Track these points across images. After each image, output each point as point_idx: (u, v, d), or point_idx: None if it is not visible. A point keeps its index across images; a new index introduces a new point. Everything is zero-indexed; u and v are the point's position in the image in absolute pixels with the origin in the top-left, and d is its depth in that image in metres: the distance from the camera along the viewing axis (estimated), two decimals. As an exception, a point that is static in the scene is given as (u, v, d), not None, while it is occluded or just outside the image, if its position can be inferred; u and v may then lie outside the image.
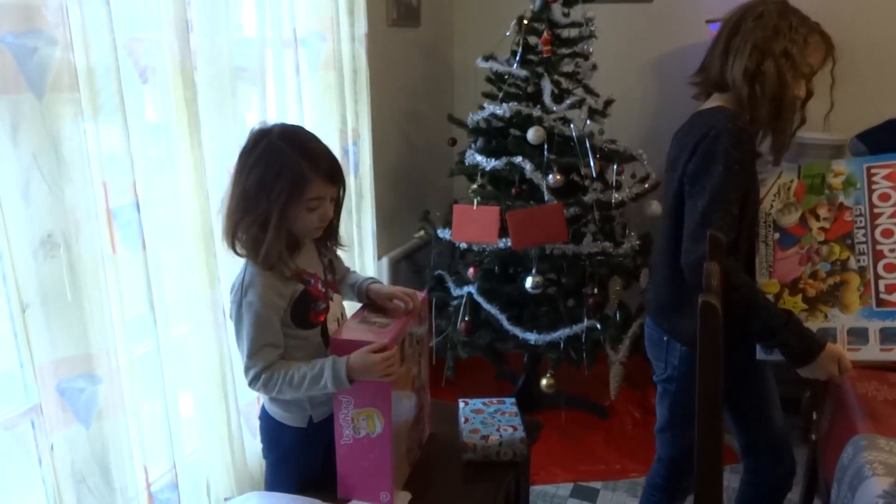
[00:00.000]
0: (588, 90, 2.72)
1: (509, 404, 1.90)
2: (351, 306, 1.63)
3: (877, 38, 2.86)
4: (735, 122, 1.49)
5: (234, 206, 1.37)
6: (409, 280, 3.01)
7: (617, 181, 2.61)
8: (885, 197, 1.45)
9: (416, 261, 3.06)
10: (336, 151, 2.46)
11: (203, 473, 1.92)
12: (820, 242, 1.49)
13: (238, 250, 1.40)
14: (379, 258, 2.82)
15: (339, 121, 2.46)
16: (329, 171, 1.40)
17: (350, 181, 2.54)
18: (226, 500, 1.89)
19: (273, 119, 2.16)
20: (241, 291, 1.37)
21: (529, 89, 2.62)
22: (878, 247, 1.43)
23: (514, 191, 2.55)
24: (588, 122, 2.63)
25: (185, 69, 1.72)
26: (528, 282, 2.49)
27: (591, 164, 2.52)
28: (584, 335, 2.54)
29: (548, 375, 2.63)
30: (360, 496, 1.46)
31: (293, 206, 1.36)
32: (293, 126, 1.46)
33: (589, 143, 2.54)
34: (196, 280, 1.81)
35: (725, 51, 1.56)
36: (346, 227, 2.58)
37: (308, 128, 2.35)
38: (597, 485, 2.53)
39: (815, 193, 1.51)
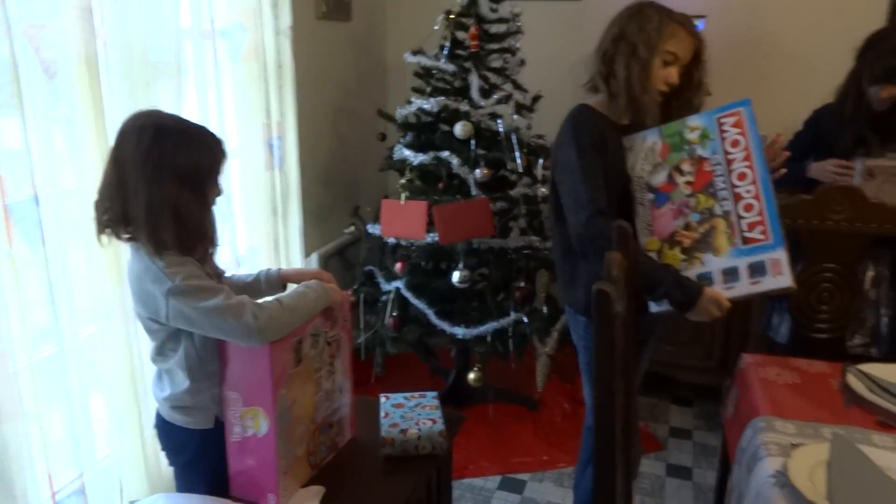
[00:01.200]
0: (516, 85, 2.74)
1: (430, 398, 1.90)
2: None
3: (794, 43, 2.98)
4: (581, 110, 1.73)
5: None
6: (340, 276, 2.98)
7: (544, 176, 2.64)
8: (735, 143, 1.58)
9: (347, 257, 3.04)
10: (259, 145, 2.44)
11: (115, 478, 1.86)
12: (688, 195, 1.61)
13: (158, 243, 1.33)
14: (307, 255, 2.79)
15: (263, 114, 2.42)
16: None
17: (275, 176, 2.51)
18: (131, 502, 1.83)
19: (192, 111, 2.12)
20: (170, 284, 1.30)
21: (457, 84, 2.62)
22: (736, 190, 1.56)
23: (441, 185, 2.55)
24: (516, 117, 2.65)
25: (89, 59, 1.66)
26: (455, 276, 2.50)
27: (518, 158, 2.54)
28: (511, 329, 2.57)
29: (475, 369, 2.65)
30: (249, 495, 1.44)
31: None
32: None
33: (516, 138, 2.57)
34: (104, 278, 1.75)
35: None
36: (271, 224, 2.55)
37: (229, 121, 2.34)
38: (524, 476, 2.56)
39: (677, 151, 1.64)
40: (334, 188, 3.11)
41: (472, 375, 2.66)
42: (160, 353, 1.41)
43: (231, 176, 2.36)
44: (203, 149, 1.34)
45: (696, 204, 1.60)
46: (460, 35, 2.64)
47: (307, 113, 2.74)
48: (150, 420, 1.89)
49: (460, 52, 2.64)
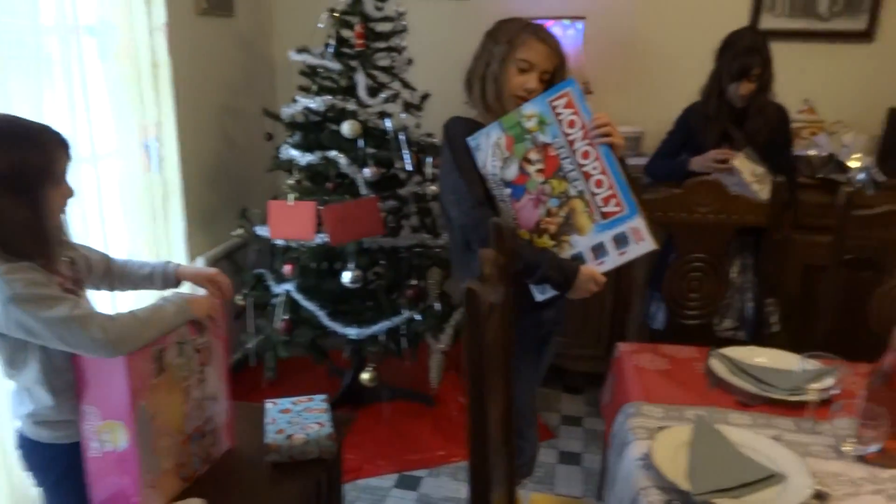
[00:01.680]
0: (404, 84, 2.74)
1: (318, 401, 1.88)
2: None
3: (668, 43, 3.13)
4: (451, 121, 1.80)
5: None
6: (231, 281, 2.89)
7: (433, 174, 2.66)
8: (572, 124, 1.63)
9: (236, 260, 2.95)
10: (134, 147, 2.32)
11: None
12: (542, 183, 1.67)
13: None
14: (192, 259, 2.69)
15: (137, 115, 2.31)
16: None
17: (153, 178, 2.40)
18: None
19: (57, 111, 1.99)
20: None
21: (344, 83, 2.59)
22: (584, 168, 1.63)
23: (330, 185, 2.53)
24: (404, 115, 2.66)
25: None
26: (347, 277, 2.48)
27: (407, 157, 2.55)
28: (404, 327, 2.57)
29: (368, 369, 2.64)
30: (113, 513, 1.38)
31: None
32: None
33: (405, 137, 2.57)
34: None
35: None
36: (151, 228, 2.44)
37: (100, 122, 2.22)
38: (421, 473, 2.58)
39: (521, 142, 1.68)
40: (221, 189, 3.01)
41: (365, 375, 2.65)
42: (12, 367, 1.32)
43: (104, 179, 2.24)
44: (27, 148, 1.25)
45: (551, 190, 1.66)
46: (346, 33, 2.61)
47: (188, 113, 2.63)
48: (10, 440, 1.77)
49: (346, 50, 2.62)
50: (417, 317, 2.61)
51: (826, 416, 1.32)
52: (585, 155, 1.63)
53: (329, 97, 2.53)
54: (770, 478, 1.21)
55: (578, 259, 1.67)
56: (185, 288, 1.64)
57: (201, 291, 1.61)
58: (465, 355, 1.11)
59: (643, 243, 1.59)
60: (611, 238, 1.62)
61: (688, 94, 2.55)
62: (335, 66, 2.57)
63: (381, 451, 2.66)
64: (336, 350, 2.98)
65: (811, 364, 1.43)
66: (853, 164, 2.63)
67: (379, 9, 2.63)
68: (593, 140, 1.62)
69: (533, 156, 1.68)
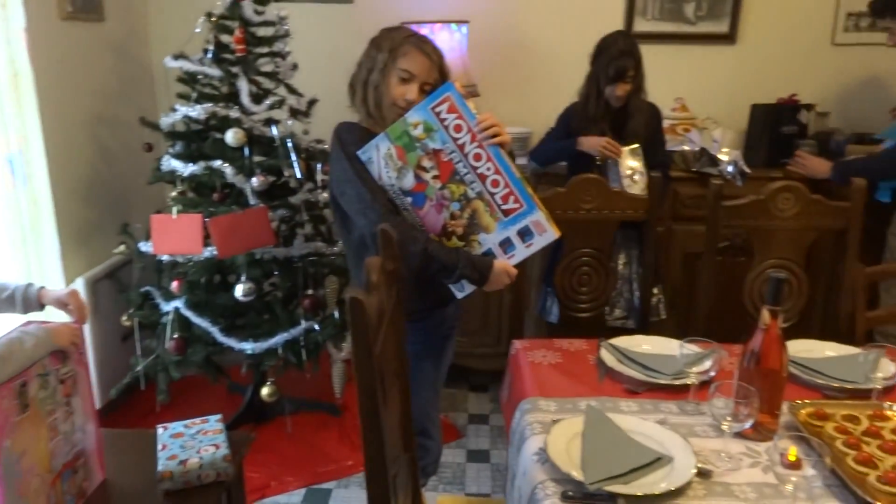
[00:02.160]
0: (290, 90, 2.68)
1: (214, 422, 1.81)
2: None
3: (549, 45, 3.23)
4: (341, 126, 1.79)
5: None
6: (114, 301, 2.74)
7: (324, 181, 2.61)
8: (458, 128, 1.65)
9: (120, 279, 2.79)
10: (-6, 163, 2.15)
11: None
12: (440, 189, 1.70)
13: None
14: (70, 280, 2.52)
15: (-3, 128, 2.14)
16: None
17: (19, 195, 2.23)
18: None
19: None
20: None
21: (225, 89, 2.51)
22: (478, 171, 1.68)
23: (216, 196, 2.44)
24: (291, 122, 2.60)
25: None
26: (239, 290, 2.40)
27: (296, 164, 2.50)
28: (303, 337, 2.52)
29: (268, 384, 2.57)
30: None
31: None
32: None
33: (293, 144, 2.51)
34: None
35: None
36: (20, 250, 2.27)
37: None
38: (330, 485, 2.53)
39: (412, 150, 1.68)
40: (98, 205, 2.84)
41: (265, 390, 2.58)
42: None
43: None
44: None
45: (450, 194, 1.69)
46: (225, 38, 2.52)
47: (57, 124, 2.47)
48: None
49: (227, 55, 2.53)
50: (316, 326, 2.56)
51: (706, 397, 1.40)
52: (477, 157, 1.65)
53: (210, 105, 2.44)
54: (658, 460, 1.27)
55: (489, 255, 1.72)
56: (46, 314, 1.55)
57: (66, 316, 1.52)
58: (354, 367, 1.09)
59: (546, 234, 1.67)
60: (515, 233, 1.68)
61: (571, 95, 2.64)
62: (215, 72, 2.48)
63: (287, 467, 2.59)
64: (235, 366, 2.89)
65: (690, 349, 1.50)
66: (723, 157, 2.81)
67: (259, 13, 2.55)
68: (482, 141, 1.64)
69: (426, 163, 1.68)
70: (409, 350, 1.50)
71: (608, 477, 1.21)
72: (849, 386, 1.53)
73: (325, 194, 2.62)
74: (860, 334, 1.97)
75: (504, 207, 1.67)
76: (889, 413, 1.39)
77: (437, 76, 1.77)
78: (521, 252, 1.71)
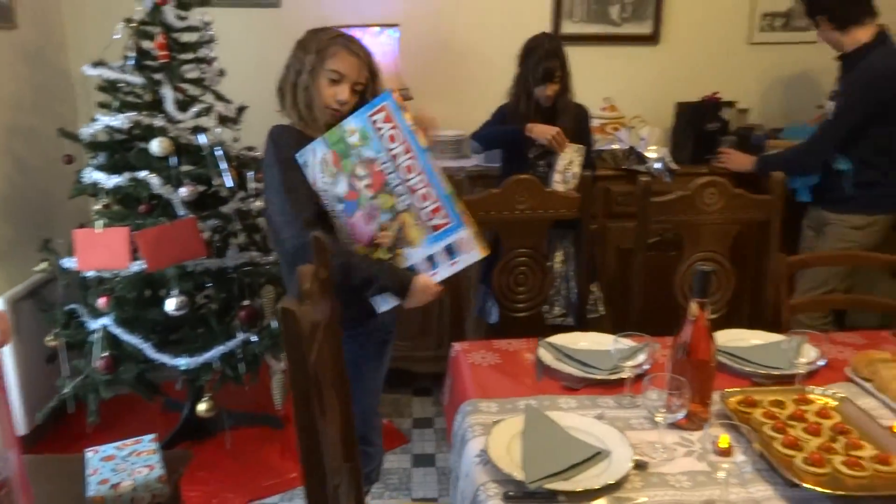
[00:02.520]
0: (218, 97, 2.62)
1: (147, 442, 1.75)
2: None
3: (479, 47, 3.25)
4: (277, 129, 1.77)
5: None
6: (37, 321, 2.61)
7: (257, 189, 2.56)
8: (392, 139, 1.62)
9: (44, 297, 2.66)
10: None
11: None
12: (371, 198, 1.67)
13: None
14: (-12, 301, 2.40)
15: None
16: None
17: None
18: None
19: None
20: None
21: (148, 97, 2.43)
22: (409, 183, 1.64)
23: (143, 208, 2.35)
24: (220, 130, 2.54)
25: None
26: (170, 304, 2.32)
27: (227, 173, 2.44)
28: (240, 350, 2.46)
29: (205, 399, 2.50)
30: None
31: None
32: None
33: (222, 152, 2.45)
34: None
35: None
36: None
37: None
38: (273, 499, 2.48)
39: (347, 157, 1.66)
40: (16, 220, 2.71)
41: (202, 406, 2.50)
42: None
43: None
44: None
45: (381, 205, 1.66)
46: (147, 44, 2.44)
47: (-34, 137, 2.34)
48: None
49: (149, 62, 2.45)
50: (254, 338, 2.51)
51: (641, 390, 1.43)
52: (409, 169, 1.62)
53: (133, 113, 2.36)
54: (597, 455, 1.29)
55: (413, 271, 1.68)
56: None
57: None
58: (288, 379, 1.07)
59: (472, 253, 1.63)
60: (442, 249, 1.64)
61: (502, 96, 2.67)
62: (137, 79, 2.40)
63: (229, 483, 2.52)
64: (170, 382, 2.80)
65: (624, 343, 1.53)
66: (651, 154, 2.88)
67: (182, 18, 2.48)
68: (409, 138, 1.61)
69: (360, 171, 1.66)
70: (346, 358, 1.48)
71: (548, 475, 1.22)
72: (775, 372, 1.59)
73: (259, 203, 2.58)
74: (785, 322, 2.05)
75: (432, 222, 1.63)
76: (812, 397, 1.45)
77: (368, 75, 1.77)
78: (445, 269, 1.66)
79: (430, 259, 1.66)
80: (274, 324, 2.57)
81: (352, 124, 1.65)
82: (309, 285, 1.22)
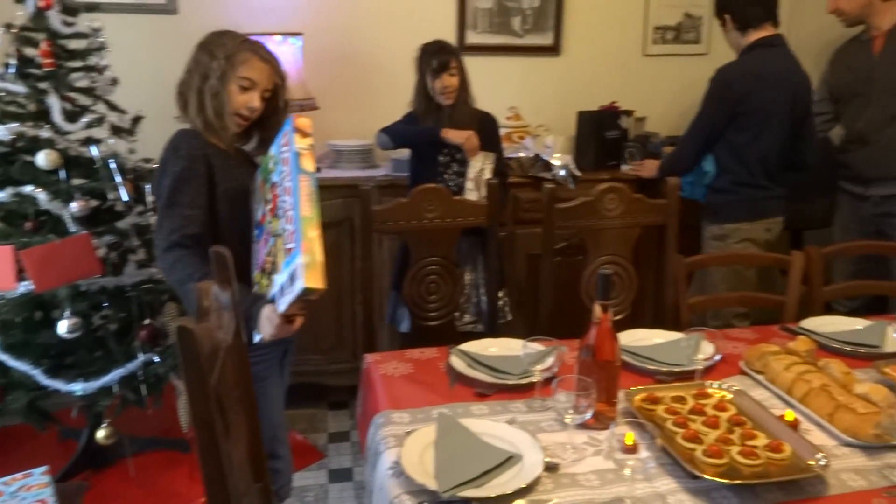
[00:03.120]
0: (111, 106, 2.49)
1: (38, 475, 1.64)
2: None
3: (385, 57, 3.25)
4: (180, 136, 1.70)
5: None
6: None
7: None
8: (286, 161, 1.52)
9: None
10: None
11: None
12: (269, 223, 1.59)
13: None
14: None
15: None
16: None
17: None
18: None
19: None
20: None
21: (33, 107, 2.28)
22: (284, 205, 1.48)
23: (29, 225, 2.21)
24: (113, 141, 2.41)
25: None
26: (62, 326, 2.19)
27: (122, 187, 2.32)
28: (142, 371, 2.34)
29: (104, 426, 2.36)
30: None
31: None
32: None
33: (116, 165, 2.34)
34: None
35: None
36: None
37: None
38: (181, 525, 2.38)
39: (267, 182, 1.64)
40: None
41: (101, 433, 2.37)
42: None
43: None
44: None
45: (272, 229, 1.55)
46: (30, 51, 2.30)
47: None
48: None
49: (34, 70, 2.31)
50: (156, 358, 2.39)
51: (550, 393, 1.46)
52: (287, 191, 1.48)
53: (16, 124, 2.21)
54: (509, 460, 1.30)
55: (272, 299, 1.49)
56: None
57: None
58: (188, 400, 1.02)
59: (297, 282, 1.37)
60: (288, 276, 1.42)
61: (409, 107, 2.67)
62: (20, 88, 2.25)
63: (131, 513, 2.40)
64: (66, 409, 2.63)
65: (532, 348, 1.56)
66: (555, 162, 2.96)
67: (69, 24, 2.35)
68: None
69: (268, 195, 1.61)
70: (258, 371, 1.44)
71: (461, 482, 1.22)
72: (675, 369, 1.65)
73: (158, 217, 2.47)
74: (685, 320, 2.15)
75: (287, 246, 1.44)
76: (710, 391, 1.52)
77: (277, 81, 1.74)
78: (283, 300, 1.42)
79: (282, 287, 1.44)
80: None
81: (272, 150, 1.63)
82: (208, 302, 1.17)
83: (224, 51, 1.68)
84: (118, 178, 2.32)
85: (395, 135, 2.65)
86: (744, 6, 2.53)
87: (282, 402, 1.95)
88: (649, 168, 2.95)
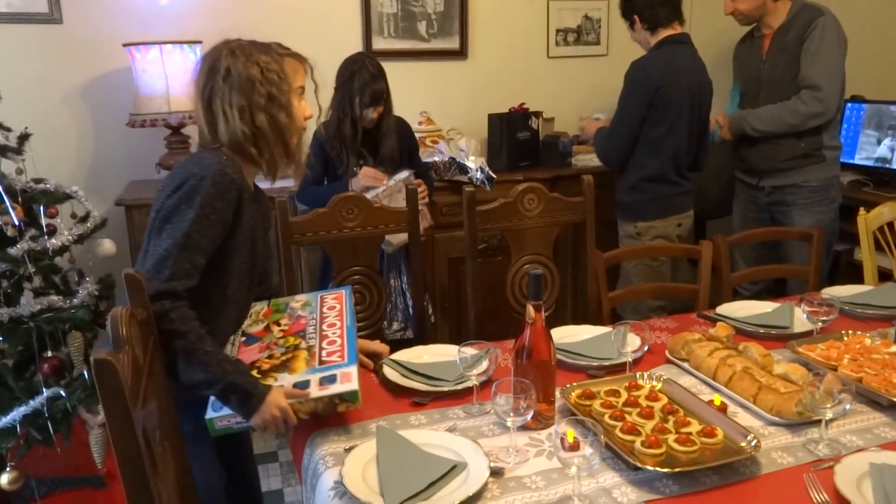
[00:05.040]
0: (-6, 124, 2.30)
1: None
2: None
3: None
4: (224, 170, 1.47)
5: None
6: None
7: (51, 225, 2.28)
8: (332, 308, 1.72)
9: None
10: None
11: None
12: (279, 338, 1.62)
13: None
14: None
15: None
16: None
17: None
18: None
19: None
20: None
21: None
22: (324, 332, 1.62)
23: None
24: (-1, 161, 2.23)
25: None
26: (-48, 366, 2.00)
27: (11, 210, 2.14)
28: (47, 407, 2.17)
29: (8, 469, 2.18)
30: None
31: None
32: None
33: (3, 187, 2.15)
34: None
35: (211, 120, 1.54)
36: None
37: None
38: (99, 570, 2.22)
39: (278, 312, 1.73)
40: None
41: (5, 478, 2.17)
42: None
43: None
44: None
45: (283, 343, 1.60)
46: None
47: None
48: None
49: None
50: (62, 392, 2.22)
51: (489, 396, 1.45)
52: (331, 325, 1.63)
53: None
54: (454, 468, 1.28)
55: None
56: None
57: None
58: (111, 438, 0.95)
59: (348, 384, 1.42)
60: (318, 378, 1.45)
61: (316, 115, 2.60)
62: None
63: (41, 563, 2.21)
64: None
65: (466, 352, 1.54)
66: (471, 164, 2.98)
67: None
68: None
69: (283, 321, 1.68)
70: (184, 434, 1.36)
71: (408, 497, 1.19)
72: (606, 363, 1.69)
73: (55, 240, 2.29)
74: (606, 314, 2.20)
75: (325, 358, 1.51)
76: (641, 382, 1.56)
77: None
78: (312, 391, 1.43)
79: (299, 384, 1.44)
80: (85, 373, 2.30)
81: (303, 296, 1.77)
82: (126, 330, 1.09)
83: (274, 63, 1.60)
84: (6, 201, 2.14)
85: (311, 203, 2.54)
86: (652, 7, 2.62)
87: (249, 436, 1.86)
88: (591, 129, 3.01)
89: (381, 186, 2.47)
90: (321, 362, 1.50)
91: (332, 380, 1.43)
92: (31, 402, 2.15)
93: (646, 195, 2.68)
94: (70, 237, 2.33)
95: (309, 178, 2.56)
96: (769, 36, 2.80)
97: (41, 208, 2.26)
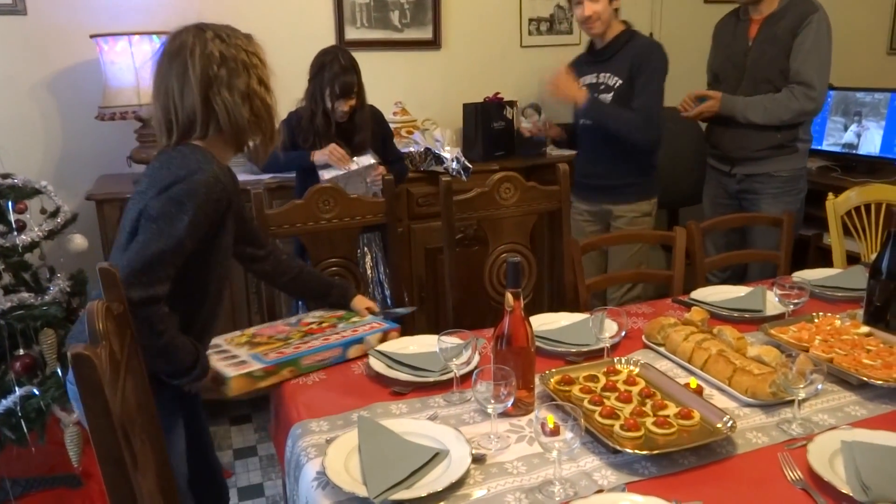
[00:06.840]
0: (-42, 119, 2.25)
1: None
2: None
3: (269, 62, 3.12)
4: (218, 177, 1.45)
5: None
6: None
7: (20, 221, 2.24)
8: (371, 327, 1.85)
9: None
10: None
11: None
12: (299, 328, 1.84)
13: None
14: None
15: None
16: None
17: None
18: None
19: None
20: None
21: None
22: (326, 337, 1.78)
23: None
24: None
25: None
26: (-80, 367, 1.95)
27: (-22, 206, 2.10)
28: (19, 406, 2.14)
29: (-20, 471, 2.14)
30: None
31: None
32: None
33: (-30, 183, 2.11)
34: None
35: (208, 110, 1.48)
36: None
37: None
38: (78, 569, 2.20)
39: (344, 320, 1.88)
40: None
41: (-23, 480, 2.14)
42: None
43: None
44: None
45: (294, 333, 1.80)
46: None
47: None
48: None
49: None
50: (35, 391, 2.19)
51: (469, 385, 1.46)
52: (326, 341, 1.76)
53: None
54: (436, 456, 1.29)
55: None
56: None
57: None
58: (91, 434, 0.94)
59: (233, 370, 1.61)
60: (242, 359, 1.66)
61: (287, 103, 2.57)
62: None
63: (17, 563, 2.18)
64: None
65: (448, 342, 1.55)
66: (446, 154, 2.97)
67: None
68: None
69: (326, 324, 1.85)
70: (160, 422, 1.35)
71: (391, 486, 1.20)
72: (584, 349, 1.70)
73: (25, 237, 2.25)
74: (583, 300, 2.22)
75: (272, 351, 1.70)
76: (619, 367, 1.58)
77: None
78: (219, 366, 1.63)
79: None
80: (59, 371, 2.27)
81: (378, 327, 1.83)
82: (102, 324, 1.07)
83: (242, 39, 1.58)
84: (-27, 198, 2.10)
85: (274, 169, 2.64)
86: None
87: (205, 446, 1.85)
88: (572, 91, 2.71)
89: (343, 169, 2.46)
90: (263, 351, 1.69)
91: (242, 363, 1.62)
92: (4, 402, 2.13)
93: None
94: (40, 233, 2.30)
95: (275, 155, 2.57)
96: (758, 22, 2.74)
97: (9, 204, 2.23)
